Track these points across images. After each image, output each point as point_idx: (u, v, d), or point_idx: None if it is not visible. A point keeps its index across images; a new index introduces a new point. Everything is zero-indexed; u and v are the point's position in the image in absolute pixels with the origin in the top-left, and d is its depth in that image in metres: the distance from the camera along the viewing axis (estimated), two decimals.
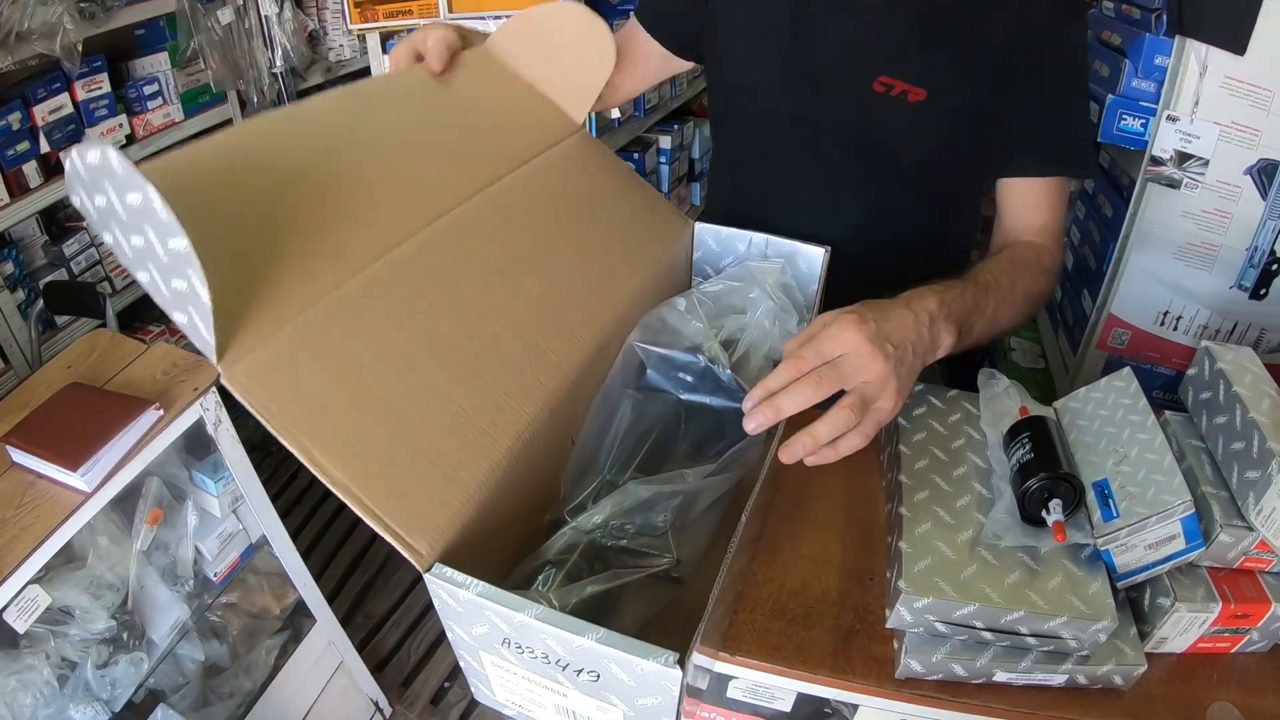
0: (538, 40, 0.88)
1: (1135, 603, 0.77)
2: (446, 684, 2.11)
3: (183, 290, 0.50)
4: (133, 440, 1.18)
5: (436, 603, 0.57)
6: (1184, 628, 0.74)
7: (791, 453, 0.67)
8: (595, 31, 0.87)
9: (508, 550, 0.69)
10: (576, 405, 0.74)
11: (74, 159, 0.49)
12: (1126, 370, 0.82)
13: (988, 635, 0.70)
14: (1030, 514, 0.74)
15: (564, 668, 0.55)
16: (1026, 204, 0.97)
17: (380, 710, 1.98)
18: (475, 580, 0.54)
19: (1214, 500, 0.73)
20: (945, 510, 0.75)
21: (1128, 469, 0.75)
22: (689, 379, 0.81)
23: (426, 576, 0.54)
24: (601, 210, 0.87)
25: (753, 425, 0.67)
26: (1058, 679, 0.72)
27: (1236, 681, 0.76)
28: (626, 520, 0.68)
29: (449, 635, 0.61)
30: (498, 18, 1.47)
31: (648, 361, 0.81)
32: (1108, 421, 0.79)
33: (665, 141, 2.25)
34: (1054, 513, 0.73)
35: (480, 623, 0.55)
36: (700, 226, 0.97)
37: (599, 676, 0.54)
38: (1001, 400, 0.84)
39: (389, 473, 0.55)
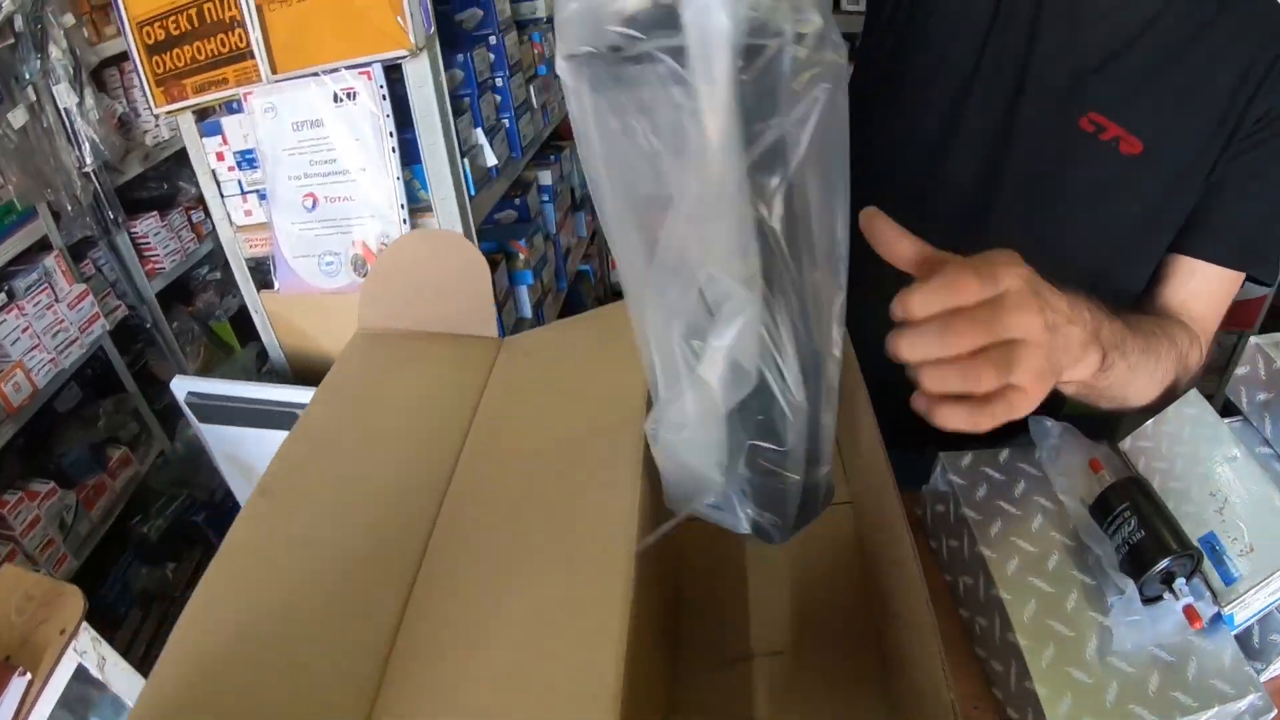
0: (406, 287, 0.81)
1: (1243, 641, 0.67)
2: None
3: None
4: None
5: None
6: None
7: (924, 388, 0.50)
8: (452, 240, 0.84)
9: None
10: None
11: None
12: (1194, 393, 0.72)
13: None
14: (1148, 595, 0.63)
15: None
16: (1189, 287, 0.83)
17: None
18: None
19: None
20: (1059, 621, 0.62)
21: (1233, 517, 0.65)
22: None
23: None
24: (563, 378, 0.74)
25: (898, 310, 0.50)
26: None
27: None
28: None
29: None
30: (330, 71, 1.24)
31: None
32: (1191, 460, 0.69)
33: (545, 177, 2.02)
34: (1183, 595, 0.61)
35: None
36: None
37: None
38: (1065, 454, 0.72)
39: None
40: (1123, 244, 0.83)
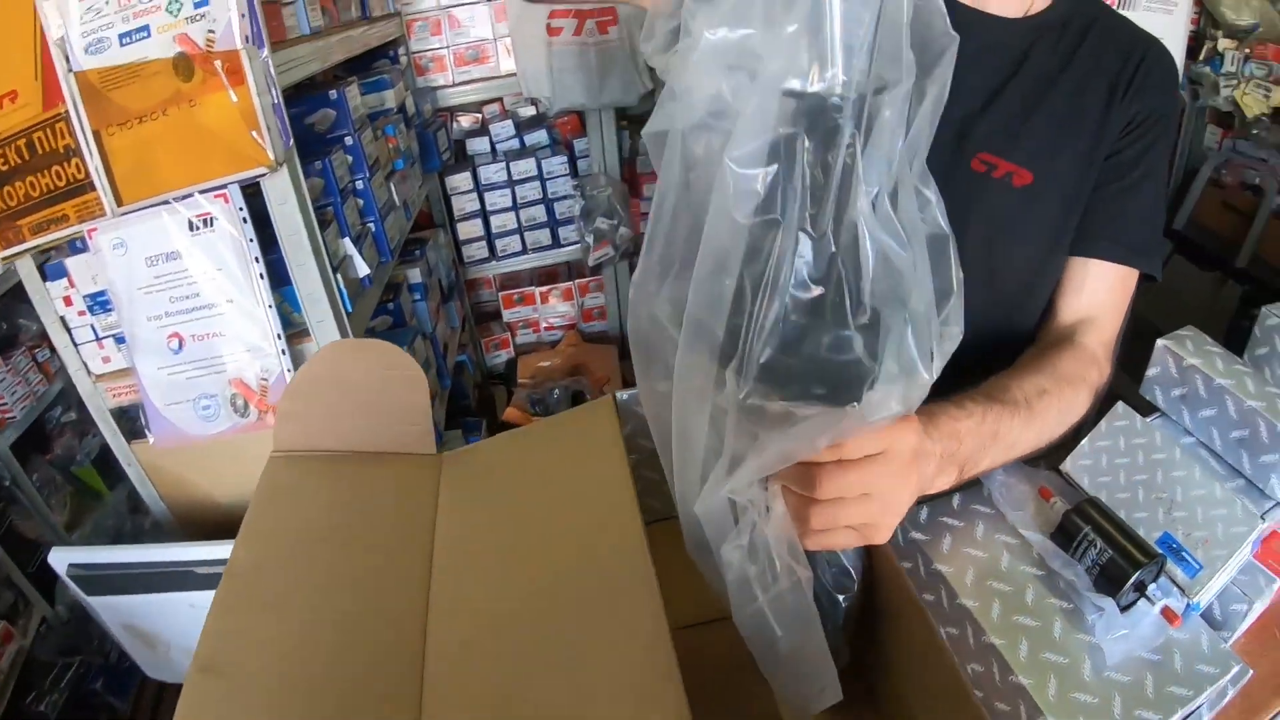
0: (328, 403, 0.74)
1: (1207, 615, 0.72)
2: None
3: None
4: None
5: None
6: (1254, 615, 0.72)
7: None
8: (382, 351, 0.76)
9: None
10: None
11: None
12: (1121, 405, 0.76)
13: None
14: (1124, 605, 0.65)
15: None
16: (1084, 295, 0.86)
17: None
18: None
19: (1242, 495, 0.71)
20: (1052, 652, 0.62)
21: (1182, 514, 0.70)
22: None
23: None
24: (522, 487, 0.71)
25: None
26: None
27: None
28: None
29: None
30: (182, 197, 1.16)
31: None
32: (1133, 469, 0.72)
33: (414, 275, 1.91)
34: (1158, 599, 0.64)
35: None
36: (623, 396, 0.77)
37: None
38: (1013, 488, 0.73)
39: None
40: (1031, 272, 0.86)
